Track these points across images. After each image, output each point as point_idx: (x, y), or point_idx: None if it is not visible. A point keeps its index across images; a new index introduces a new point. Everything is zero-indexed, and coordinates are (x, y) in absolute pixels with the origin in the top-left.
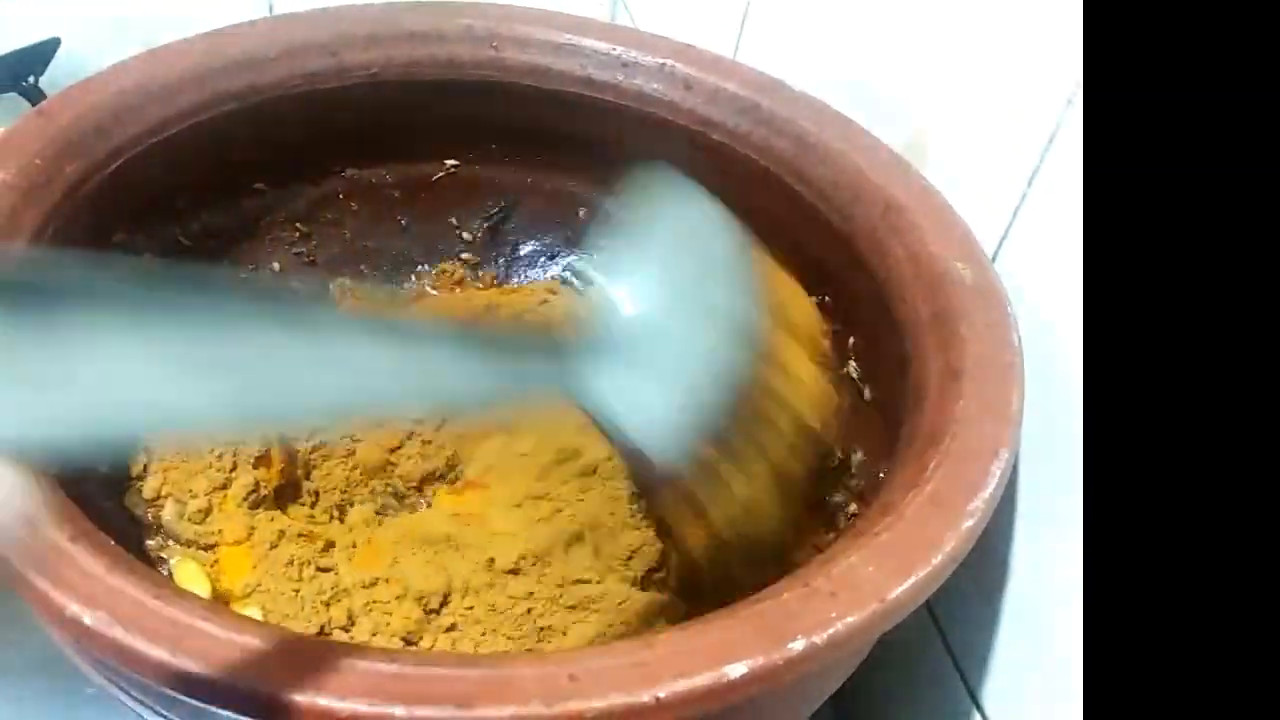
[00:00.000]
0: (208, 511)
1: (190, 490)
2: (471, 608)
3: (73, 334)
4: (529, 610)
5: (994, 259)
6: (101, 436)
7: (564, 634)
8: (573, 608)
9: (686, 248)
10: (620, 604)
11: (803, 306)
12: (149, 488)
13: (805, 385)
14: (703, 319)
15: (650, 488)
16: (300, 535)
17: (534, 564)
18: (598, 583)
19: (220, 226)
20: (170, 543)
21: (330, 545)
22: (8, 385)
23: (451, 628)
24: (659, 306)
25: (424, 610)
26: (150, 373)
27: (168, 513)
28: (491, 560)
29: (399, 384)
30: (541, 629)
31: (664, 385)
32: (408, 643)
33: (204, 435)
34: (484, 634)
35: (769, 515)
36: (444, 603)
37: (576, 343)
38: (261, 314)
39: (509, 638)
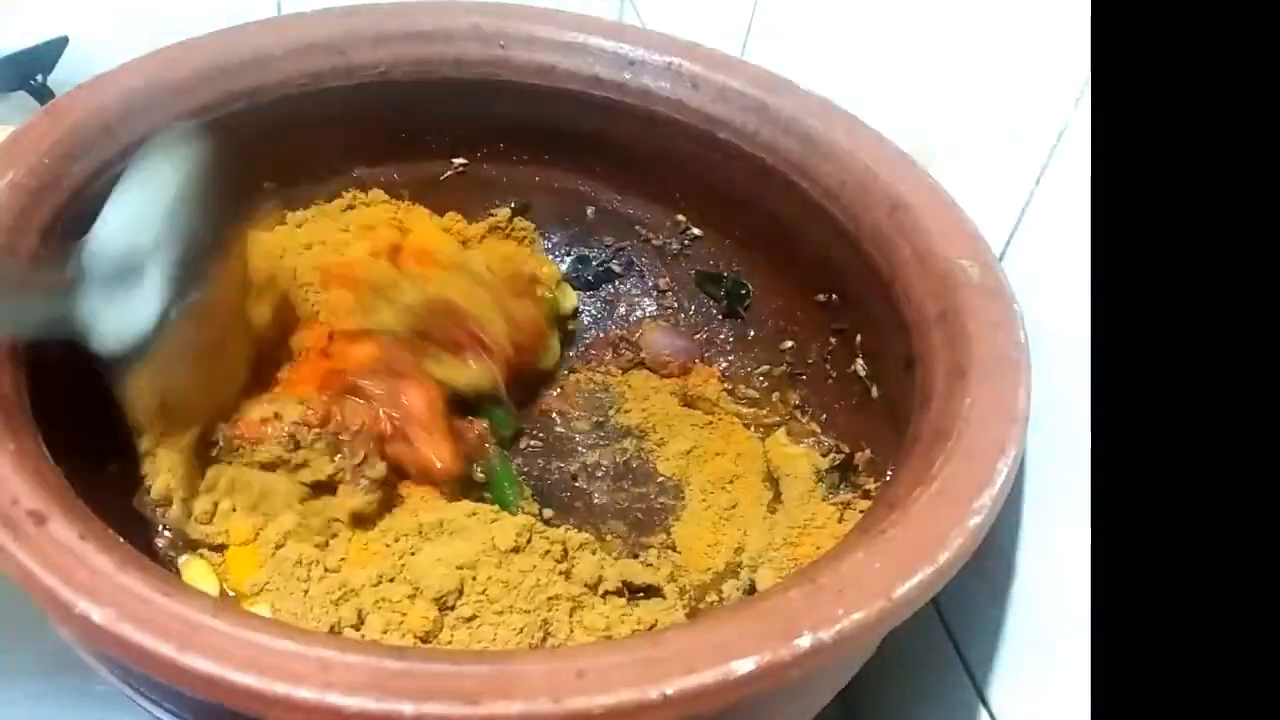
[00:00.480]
0: (214, 513)
1: (196, 490)
2: (485, 592)
3: None
4: (537, 583)
5: (1001, 258)
6: None
7: (569, 600)
8: (566, 575)
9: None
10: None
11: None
12: (156, 489)
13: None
14: (170, 240)
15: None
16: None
17: (528, 539)
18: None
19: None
20: (179, 543)
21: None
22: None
23: (472, 618)
24: (136, 239)
25: (439, 608)
26: None
27: (174, 513)
28: (493, 541)
29: None
30: (550, 599)
31: (137, 291)
32: (424, 640)
33: None
34: (500, 613)
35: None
36: (460, 595)
37: (64, 277)
38: None
39: (525, 611)
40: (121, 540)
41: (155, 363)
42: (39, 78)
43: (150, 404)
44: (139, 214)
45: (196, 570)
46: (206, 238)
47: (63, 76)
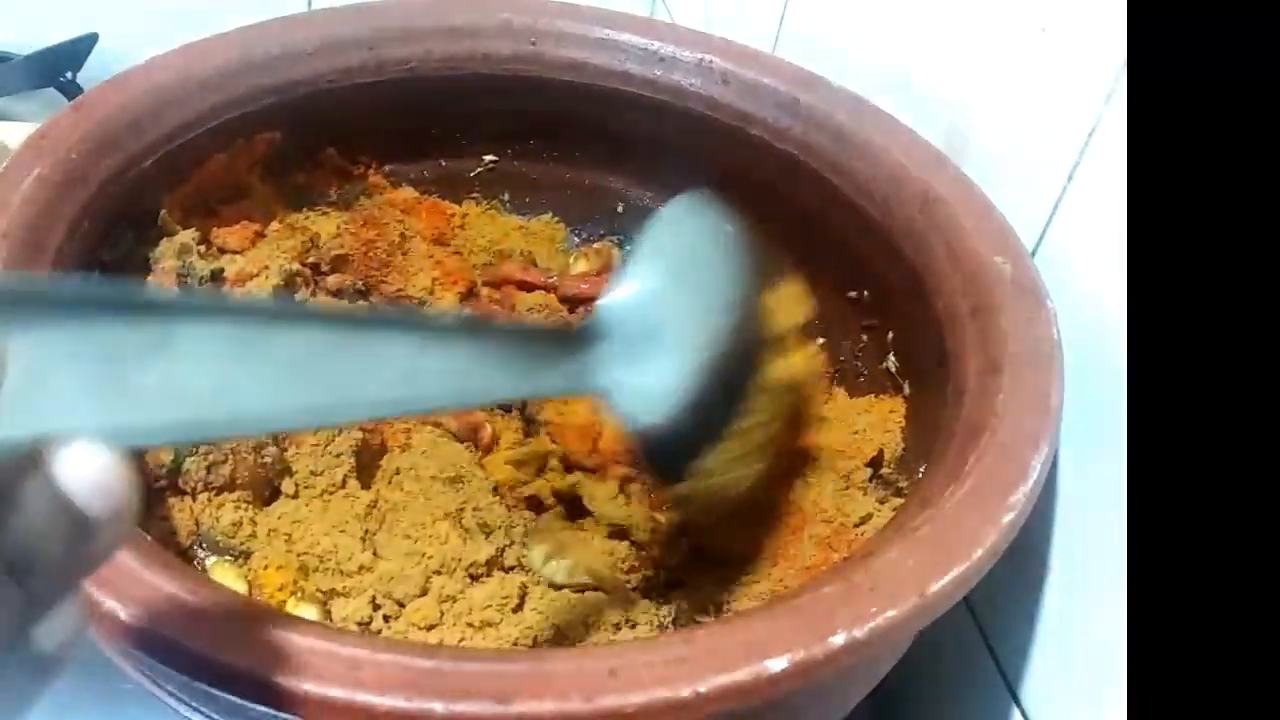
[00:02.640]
0: (239, 525)
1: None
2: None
3: (158, 341)
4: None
5: (1034, 253)
6: (181, 429)
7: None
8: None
9: (688, 254)
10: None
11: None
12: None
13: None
14: (700, 312)
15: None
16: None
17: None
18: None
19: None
20: (203, 544)
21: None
22: (113, 388)
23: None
24: (660, 302)
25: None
26: (223, 371)
27: (204, 520)
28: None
29: (425, 380)
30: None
31: (660, 368)
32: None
33: (263, 429)
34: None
35: (751, 474)
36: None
37: (582, 333)
38: (307, 314)
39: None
40: (148, 538)
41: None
42: (68, 74)
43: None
44: (655, 285)
45: (223, 574)
46: (730, 305)
47: (92, 73)
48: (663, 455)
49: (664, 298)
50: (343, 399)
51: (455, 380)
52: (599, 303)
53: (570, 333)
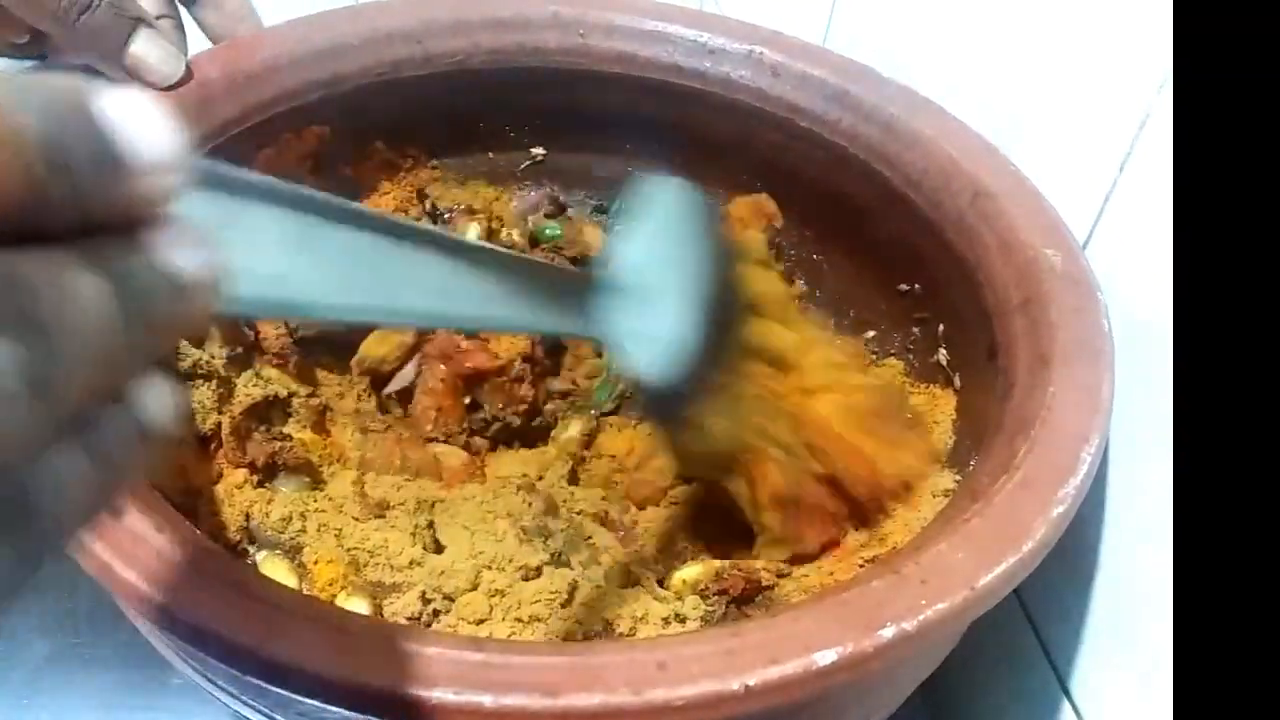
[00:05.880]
0: (289, 519)
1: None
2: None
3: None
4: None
5: (1085, 246)
6: (256, 299)
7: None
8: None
9: (673, 228)
10: None
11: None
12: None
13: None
14: (687, 280)
15: (653, 412)
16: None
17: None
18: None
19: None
20: (255, 544)
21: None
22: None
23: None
24: (652, 269)
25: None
26: (286, 254)
27: (254, 514)
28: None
29: (458, 297)
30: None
31: (662, 324)
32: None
33: (313, 310)
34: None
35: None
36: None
37: (597, 283)
38: (369, 220)
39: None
40: (199, 532)
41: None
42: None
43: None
44: (652, 246)
45: (274, 568)
46: (715, 271)
47: None
48: (666, 404)
49: (655, 260)
50: (382, 300)
51: (485, 304)
52: (602, 262)
53: (591, 280)
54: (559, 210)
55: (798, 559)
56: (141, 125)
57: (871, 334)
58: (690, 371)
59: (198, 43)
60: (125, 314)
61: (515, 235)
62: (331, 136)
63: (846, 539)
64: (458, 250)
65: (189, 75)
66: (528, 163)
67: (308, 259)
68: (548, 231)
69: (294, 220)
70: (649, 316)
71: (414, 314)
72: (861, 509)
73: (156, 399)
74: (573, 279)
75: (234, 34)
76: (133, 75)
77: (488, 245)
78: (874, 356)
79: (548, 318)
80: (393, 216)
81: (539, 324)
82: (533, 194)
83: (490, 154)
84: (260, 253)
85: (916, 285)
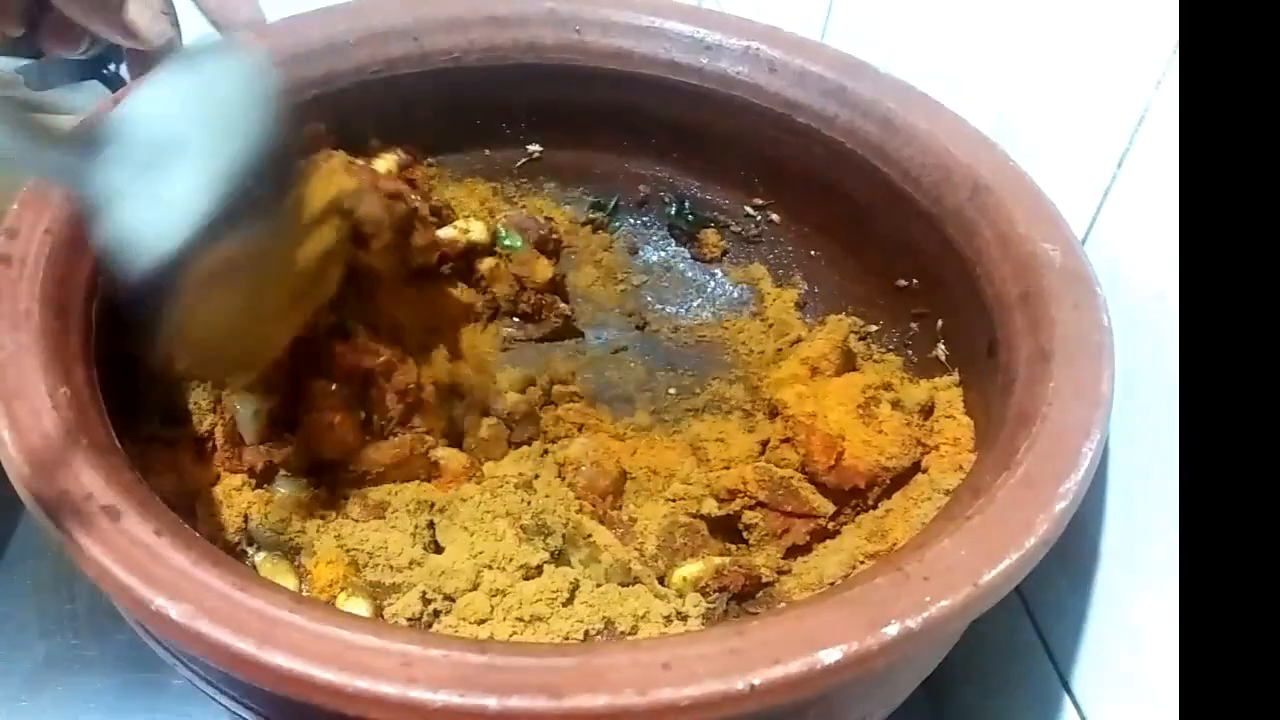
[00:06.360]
0: (288, 521)
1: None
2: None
3: None
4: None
5: (1084, 241)
6: None
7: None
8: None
9: (214, 92)
10: None
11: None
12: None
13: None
14: (219, 142)
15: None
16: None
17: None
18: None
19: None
20: (254, 545)
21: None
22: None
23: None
24: (177, 124)
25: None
26: None
27: (253, 515)
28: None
29: None
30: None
31: (171, 189)
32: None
33: None
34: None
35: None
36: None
37: (94, 131)
38: None
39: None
40: (197, 535)
41: (197, 287)
42: (111, 67)
43: (191, 339)
44: (178, 100)
45: (273, 569)
46: (261, 158)
47: None
48: (154, 282)
49: (181, 121)
50: None
51: None
52: (107, 110)
53: (89, 129)
54: (543, 244)
55: (792, 551)
56: None
57: (871, 329)
58: (195, 248)
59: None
60: None
61: (475, 223)
62: (327, 134)
63: (844, 532)
64: None
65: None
66: (524, 160)
67: None
68: (507, 241)
69: None
70: (156, 180)
71: None
72: (834, 493)
73: None
74: (58, 125)
75: (234, 20)
76: (129, 36)
77: None
78: (873, 351)
79: (18, 153)
80: None
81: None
82: (530, 220)
83: (487, 151)
84: None
85: (915, 280)
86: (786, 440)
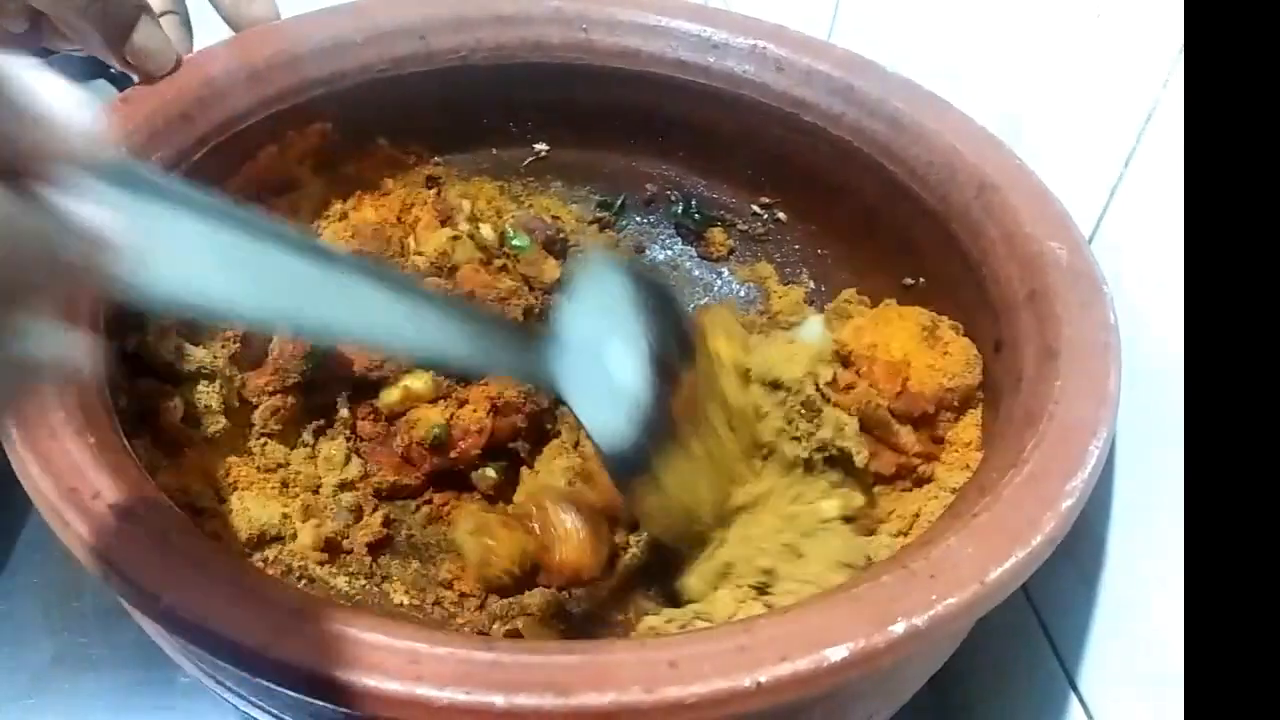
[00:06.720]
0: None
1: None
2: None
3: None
4: None
5: (1090, 240)
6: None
7: None
8: None
9: (616, 301)
10: None
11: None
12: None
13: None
14: (634, 347)
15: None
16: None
17: None
18: None
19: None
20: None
21: None
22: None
23: None
24: (597, 336)
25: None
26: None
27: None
28: None
29: (392, 324)
30: None
31: (611, 384)
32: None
33: (223, 314)
34: None
35: (710, 485)
36: None
37: (547, 338)
38: (294, 242)
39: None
40: (205, 534)
41: (669, 466)
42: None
43: (671, 509)
44: (593, 306)
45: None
46: (667, 336)
47: None
48: (627, 465)
49: (600, 327)
50: (319, 320)
51: (419, 333)
52: (553, 314)
53: (540, 332)
54: (551, 245)
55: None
56: (55, 91)
57: None
58: (646, 430)
59: (211, 36)
60: (29, 235)
61: (486, 230)
62: (334, 133)
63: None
64: (397, 285)
65: (178, 65)
66: (531, 159)
67: (225, 267)
68: (515, 241)
69: (219, 232)
70: (598, 376)
71: (348, 331)
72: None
73: (43, 338)
74: (521, 327)
75: (248, 17)
76: (133, 61)
77: (431, 288)
78: None
79: (483, 355)
80: (341, 252)
81: (474, 359)
82: (538, 221)
83: (494, 150)
84: (181, 255)
85: (921, 279)
86: (849, 387)
